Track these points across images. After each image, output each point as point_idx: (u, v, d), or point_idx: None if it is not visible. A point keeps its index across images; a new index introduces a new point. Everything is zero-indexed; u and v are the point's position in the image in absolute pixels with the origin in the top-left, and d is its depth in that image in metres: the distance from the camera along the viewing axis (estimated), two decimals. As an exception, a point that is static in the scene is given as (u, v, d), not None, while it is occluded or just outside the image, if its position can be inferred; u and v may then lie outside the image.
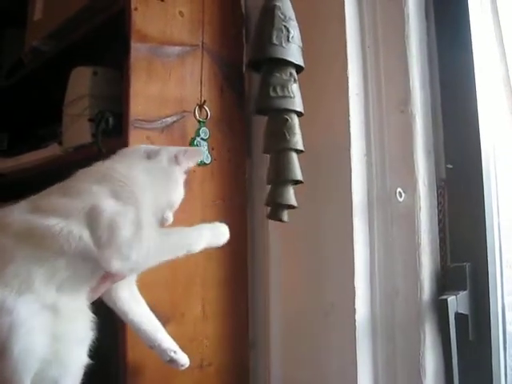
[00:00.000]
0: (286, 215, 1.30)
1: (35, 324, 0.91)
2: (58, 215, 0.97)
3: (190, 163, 1.19)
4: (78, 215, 0.98)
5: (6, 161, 2.15)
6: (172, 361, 1.13)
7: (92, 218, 0.98)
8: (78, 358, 1.00)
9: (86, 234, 0.96)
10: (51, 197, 1.04)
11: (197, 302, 1.60)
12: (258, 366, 1.72)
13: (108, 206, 1.00)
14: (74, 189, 1.04)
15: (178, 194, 1.17)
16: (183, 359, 1.13)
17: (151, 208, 1.08)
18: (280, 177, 1.28)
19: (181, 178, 1.18)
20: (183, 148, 1.20)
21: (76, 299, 1.00)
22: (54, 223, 0.96)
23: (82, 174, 1.09)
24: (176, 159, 1.16)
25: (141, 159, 1.15)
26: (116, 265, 0.97)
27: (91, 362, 1.02)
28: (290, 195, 1.29)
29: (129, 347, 1.40)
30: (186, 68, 1.62)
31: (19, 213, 1.00)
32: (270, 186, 1.31)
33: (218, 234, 1.13)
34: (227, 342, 1.66)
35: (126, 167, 1.10)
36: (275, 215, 1.30)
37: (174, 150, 1.17)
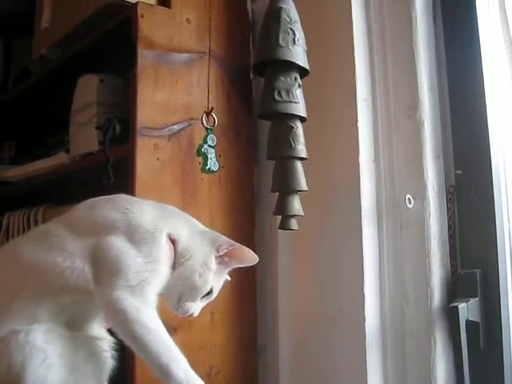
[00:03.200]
0: (295, 224, 1.30)
1: (50, 354, 0.89)
2: (65, 245, 0.94)
3: (232, 261, 1.08)
4: (85, 247, 0.94)
5: (13, 169, 2.15)
6: None
7: (98, 252, 0.94)
8: None
9: (88, 267, 0.93)
10: (62, 225, 1.00)
11: (205, 310, 1.58)
12: (267, 374, 1.71)
13: (117, 242, 0.95)
14: (87, 219, 1.00)
15: (204, 281, 1.04)
16: None
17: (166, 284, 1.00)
18: (286, 186, 1.28)
19: (214, 267, 1.05)
20: (234, 243, 1.10)
21: (90, 330, 0.98)
22: (59, 254, 0.93)
23: (101, 203, 1.04)
24: (219, 247, 1.06)
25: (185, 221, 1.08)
26: (105, 305, 0.92)
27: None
28: (298, 205, 1.29)
29: (137, 359, 1.39)
30: (193, 75, 1.62)
31: (29, 243, 0.98)
32: (277, 195, 1.31)
33: None
34: (235, 350, 1.65)
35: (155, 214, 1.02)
36: (286, 225, 1.30)
37: (222, 238, 1.09)
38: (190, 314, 1.05)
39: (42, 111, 2.19)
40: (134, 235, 0.96)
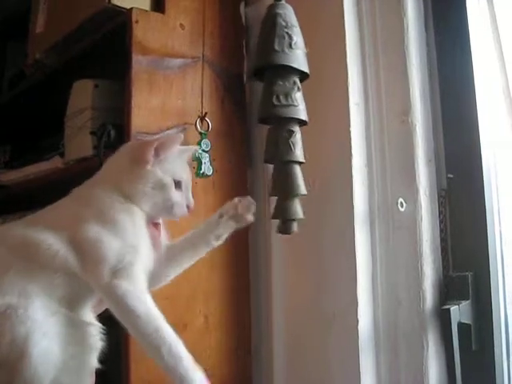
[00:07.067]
0: (295, 227, 1.30)
1: (50, 328, 0.91)
2: (49, 232, 0.96)
3: (161, 152, 1.05)
4: (63, 238, 0.96)
5: (8, 172, 2.16)
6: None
7: (76, 242, 0.96)
8: (88, 366, 0.99)
9: (71, 257, 0.95)
10: (46, 214, 1.03)
11: (200, 313, 1.60)
12: (261, 377, 1.72)
13: (91, 230, 0.96)
14: (67, 208, 1.03)
15: (158, 188, 1.04)
16: None
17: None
18: (286, 191, 1.28)
19: (152, 175, 1.04)
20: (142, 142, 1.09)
21: (81, 312, 1.00)
22: (45, 239, 0.95)
23: (78, 190, 1.07)
24: (134, 160, 1.05)
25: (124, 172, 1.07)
26: (99, 292, 0.97)
27: (100, 366, 1.01)
28: (298, 209, 1.29)
29: (132, 362, 1.41)
30: (187, 80, 1.63)
31: (17, 228, 1.00)
32: (275, 199, 1.31)
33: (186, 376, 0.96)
34: (230, 352, 1.65)
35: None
36: (285, 229, 1.30)
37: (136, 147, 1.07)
38: (187, 206, 1.11)
39: (37, 115, 2.19)
40: (106, 221, 0.98)
